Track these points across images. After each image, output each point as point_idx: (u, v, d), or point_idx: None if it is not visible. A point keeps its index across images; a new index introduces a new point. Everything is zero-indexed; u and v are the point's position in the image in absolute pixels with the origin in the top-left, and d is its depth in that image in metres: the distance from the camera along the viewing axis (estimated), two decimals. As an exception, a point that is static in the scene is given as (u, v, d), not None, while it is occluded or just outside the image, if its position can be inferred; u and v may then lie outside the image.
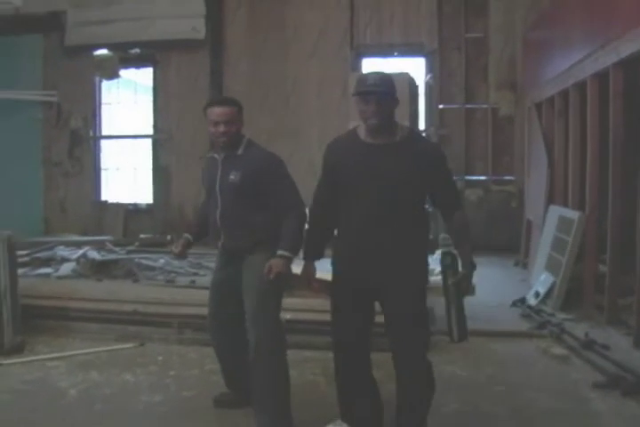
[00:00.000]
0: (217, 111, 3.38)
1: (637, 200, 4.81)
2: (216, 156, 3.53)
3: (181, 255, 3.72)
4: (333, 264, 3.22)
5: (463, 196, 9.45)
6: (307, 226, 3.38)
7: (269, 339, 3.34)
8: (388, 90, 2.99)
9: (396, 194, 2.99)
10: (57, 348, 4.80)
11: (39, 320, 5.08)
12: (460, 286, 3.05)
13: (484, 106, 10.07)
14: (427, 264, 3.21)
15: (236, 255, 3.49)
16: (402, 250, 3.04)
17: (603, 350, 4.68)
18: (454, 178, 3.28)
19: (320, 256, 3.35)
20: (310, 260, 3.36)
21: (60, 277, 7.00)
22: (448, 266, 3.09)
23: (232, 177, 3.38)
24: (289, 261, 3.34)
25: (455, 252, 3.10)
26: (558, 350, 4.72)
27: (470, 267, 3.08)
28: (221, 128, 3.36)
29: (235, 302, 3.45)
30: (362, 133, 3.09)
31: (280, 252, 3.32)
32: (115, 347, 4.79)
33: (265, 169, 3.39)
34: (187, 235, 3.71)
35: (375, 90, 2.95)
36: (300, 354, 4.40)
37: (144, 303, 5.15)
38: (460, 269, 3.08)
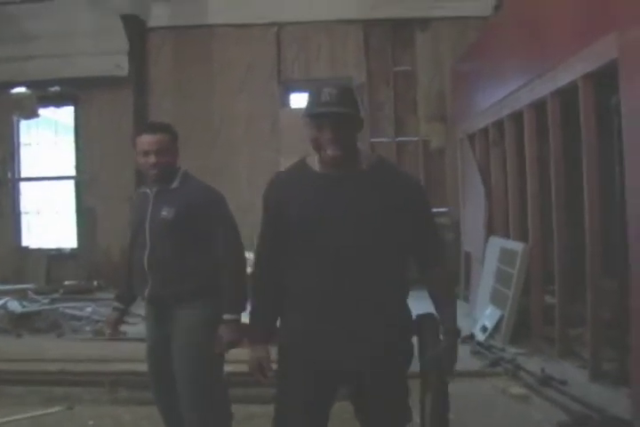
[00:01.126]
0: (147, 140, 2.99)
1: (585, 228, 4.72)
2: (147, 190, 3.12)
3: (117, 334, 3.33)
4: (281, 339, 2.44)
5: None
6: (252, 290, 2.57)
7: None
8: (350, 109, 2.24)
9: (365, 240, 2.27)
10: (-26, 416, 4.31)
11: (-48, 385, 4.58)
12: (440, 362, 2.33)
13: (415, 138, 10.05)
14: (411, 338, 2.43)
15: (163, 309, 3.05)
16: (379, 318, 2.30)
17: (561, 385, 4.53)
18: (433, 219, 2.52)
19: (273, 333, 2.48)
20: (261, 340, 2.46)
21: (-25, 333, 6.44)
22: (427, 333, 2.40)
23: (164, 213, 2.98)
24: (238, 323, 2.96)
25: (435, 315, 2.42)
26: (516, 389, 4.54)
27: (454, 336, 2.38)
28: (152, 159, 2.98)
29: (168, 364, 3.11)
30: (314, 164, 2.38)
31: (226, 316, 2.95)
32: (40, 412, 4.30)
33: (203, 205, 3.01)
34: (117, 304, 3.27)
35: (332, 110, 2.21)
36: (246, 410, 4.06)
37: (71, 361, 4.72)
38: (440, 337, 2.40)
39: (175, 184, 3.07)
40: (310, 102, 2.28)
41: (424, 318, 2.45)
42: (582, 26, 4.57)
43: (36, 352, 5.00)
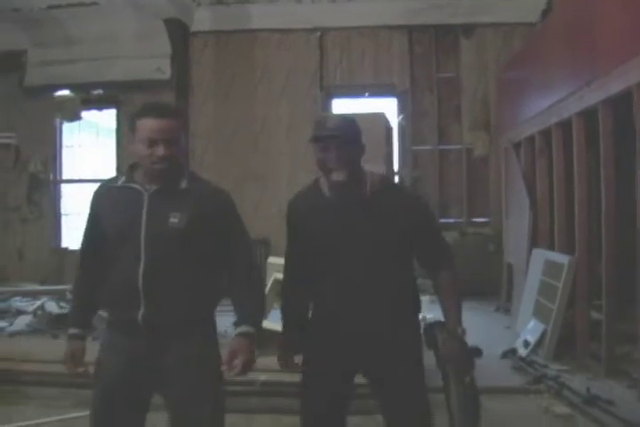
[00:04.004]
0: (154, 126, 2.36)
1: (636, 242, 4.52)
2: (138, 187, 2.46)
3: (84, 371, 2.55)
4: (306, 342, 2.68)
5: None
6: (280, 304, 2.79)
7: None
8: (352, 135, 2.49)
9: (375, 260, 2.50)
10: (4, 418, 4.24)
11: (-14, 386, 4.54)
12: (450, 363, 2.50)
13: (458, 146, 9.87)
14: (420, 341, 2.63)
15: (155, 338, 2.38)
16: (390, 326, 2.53)
17: (607, 405, 4.32)
18: (440, 231, 2.74)
19: (306, 325, 2.70)
20: (292, 332, 2.74)
21: (12, 334, 6.43)
22: (436, 340, 2.55)
23: (173, 220, 2.38)
24: (254, 340, 2.43)
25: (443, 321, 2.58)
26: (561, 408, 4.34)
27: (454, 336, 2.49)
28: (160, 150, 2.36)
29: (136, 419, 2.51)
30: (324, 187, 2.59)
31: (243, 328, 2.40)
32: (70, 415, 4.26)
33: (221, 212, 2.50)
34: (74, 331, 2.57)
35: (336, 134, 2.44)
36: (278, 421, 3.95)
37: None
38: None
39: (184, 184, 2.47)
40: (316, 128, 2.51)
41: (433, 326, 2.61)
42: (638, 31, 4.38)
43: (70, 355, 4.95)
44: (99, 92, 10.22)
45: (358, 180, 2.53)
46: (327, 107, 10.19)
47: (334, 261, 2.52)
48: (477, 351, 2.52)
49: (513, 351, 5.72)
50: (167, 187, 2.45)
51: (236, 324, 2.45)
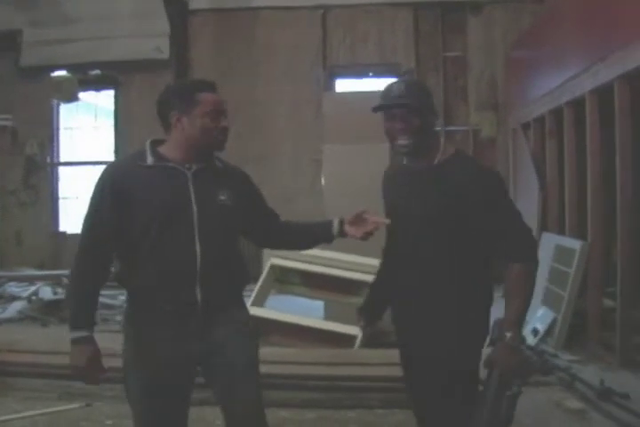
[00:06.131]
0: (216, 98, 2.36)
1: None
2: (175, 165, 2.35)
3: (100, 376, 2.35)
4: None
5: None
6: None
7: None
8: (420, 101, 2.35)
9: (432, 237, 2.34)
10: (-13, 410, 4.07)
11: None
12: (498, 370, 2.22)
13: (465, 128, 9.60)
14: (480, 340, 2.39)
15: (209, 316, 2.35)
16: (441, 318, 2.35)
17: (622, 400, 4.09)
18: (515, 214, 2.37)
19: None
20: (366, 304, 2.79)
21: (1, 321, 6.24)
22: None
23: (223, 197, 2.37)
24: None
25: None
26: (573, 402, 4.09)
27: (502, 341, 2.23)
28: (225, 121, 2.37)
29: (183, 403, 2.43)
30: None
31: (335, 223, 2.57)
32: (56, 408, 4.05)
33: (252, 187, 2.59)
34: (82, 333, 2.28)
35: (402, 102, 2.33)
36: (276, 414, 3.74)
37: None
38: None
39: (218, 163, 2.47)
40: (382, 97, 2.40)
41: (501, 322, 2.30)
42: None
43: (58, 344, 4.73)
44: (96, 72, 10.00)
45: (428, 148, 2.40)
46: (330, 87, 9.91)
47: (395, 234, 2.48)
48: (531, 365, 2.26)
49: (522, 340, 5.49)
50: (209, 165, 2.42)
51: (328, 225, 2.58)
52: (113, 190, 2.29)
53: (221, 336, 2.36)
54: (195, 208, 2.32)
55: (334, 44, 9.82)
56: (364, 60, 9.78)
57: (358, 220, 2.51)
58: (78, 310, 2.32)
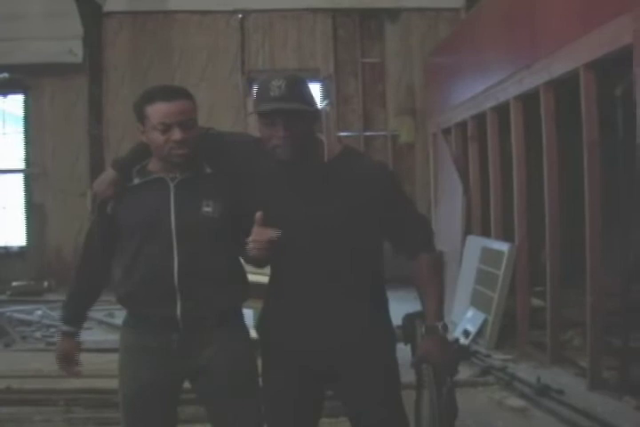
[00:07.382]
0: (167, 109, 2.13)
1: (584, 226, 4.42)
2: (163, 177, 2.23)
3: (73, 369, 2.39)
4: (262, 333, 2.32)
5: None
6: None
7: None
8: (304, 103, 2.05)
9: (321, 236, 2.11)
10: None
11: None
12: (436, 367, 2.12)
13: (383, 133, 9.73)
14: (393, 341, 2.27)
15: (193, 332, 2.23)
16: (351, 322, 2.16)
17: (559, 395, 4.22)
18: (413, 204, 2.31)
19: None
20: None
21: None
22: (415, 333, 2.21)
23: (206, 209, 2.21)
24: None
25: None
26: (514, 400, 4.19)
27: (433, 332, 2.13)
28: (176, 134, 2.12)
29: (169, 416, 2.35)
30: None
31: None
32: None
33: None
34: (66, 328, 2.38)
35: (285, 107, 2.00)
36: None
37: (19, 377, 4.22)
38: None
39: (208, 169, 2.27)
40: (259, 97, 2.08)
41: (412, 317, 2.25)
42: (584, 9, 4.27)
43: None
44: (4, 75, 9.50)
45: (312, 149, 2.13)
46: (249, 92, 9.83)
47: (282, 238, 2.09)
48: (464, 352, 2.26)
49: (456, 341, 5.59)
50: (190, 173, 2.24)
51: None
52: (100, 209, 2.32)
53: (206, 358, 2.25)
54: (173, 220, 2.21)
55: (253, 49, 9.75)
56: (284, 66, 9.71)
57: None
58: (67, 306, 2.46)
